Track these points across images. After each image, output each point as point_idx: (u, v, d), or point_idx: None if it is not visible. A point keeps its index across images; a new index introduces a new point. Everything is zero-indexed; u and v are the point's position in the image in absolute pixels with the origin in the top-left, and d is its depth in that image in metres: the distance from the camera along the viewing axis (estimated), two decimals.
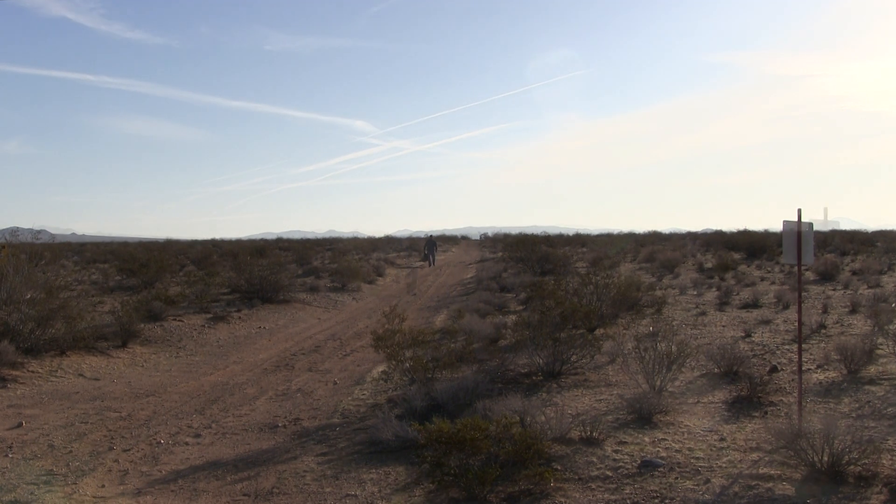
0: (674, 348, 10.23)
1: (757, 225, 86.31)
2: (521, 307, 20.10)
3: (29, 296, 14.70)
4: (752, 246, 38.81)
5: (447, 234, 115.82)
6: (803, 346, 11.16)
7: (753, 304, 18.38)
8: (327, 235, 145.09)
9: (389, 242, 70.91)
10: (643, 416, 8.76)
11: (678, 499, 6.41)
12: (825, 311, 16.36)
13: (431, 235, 53.00)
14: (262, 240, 78.44)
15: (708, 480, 6.76)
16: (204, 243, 68.37)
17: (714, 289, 22.55)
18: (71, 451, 8.91)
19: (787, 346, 12.75)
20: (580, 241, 64.65)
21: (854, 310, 16.44)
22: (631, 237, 69.72)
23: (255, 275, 24.69)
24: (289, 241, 78.14)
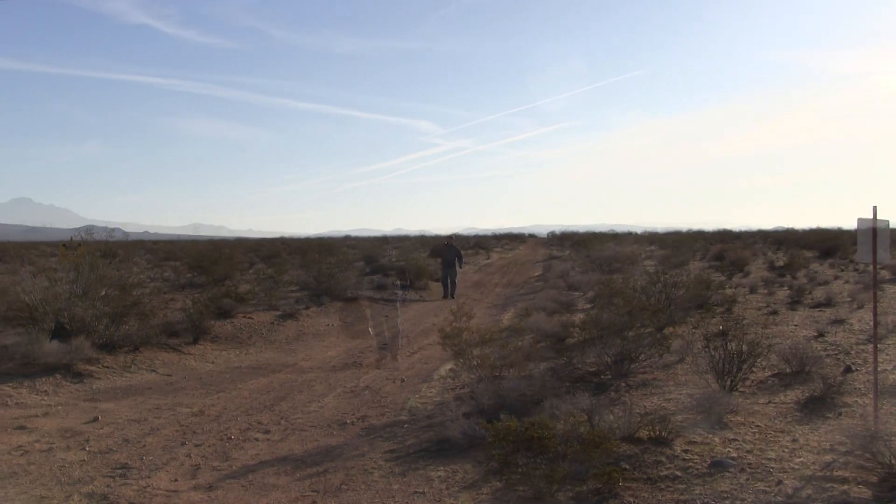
0: (744, 347, 10.07)
1: (830, 223, 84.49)
2: (588, 305, 19.97)
3: (103, 293, 15.03)
4: (825, 244, 38.09)
5: (514, 231, 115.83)
6: (879, 346, 10.88)
7: (827, 304, 17.97)
8: (394, 233, 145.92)
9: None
10: (713, 416, 8.63)
11: (749, 500, 6.30)
12: None
13: (452, 237, 31.57)
14: (329, 237, 79.17)
15: (780, 482, 6.63)
16: (272, 241, 69.38)
17: (786, 287, 22.12)
18: (144, 446, 9.09)
19: (861, 347, 12.47)
20: (648, 238, 64.08)
21: None
22: (700, 235, 68.81)
23: (324, 272, 24.91)
24: (356, 238, 78.92)
